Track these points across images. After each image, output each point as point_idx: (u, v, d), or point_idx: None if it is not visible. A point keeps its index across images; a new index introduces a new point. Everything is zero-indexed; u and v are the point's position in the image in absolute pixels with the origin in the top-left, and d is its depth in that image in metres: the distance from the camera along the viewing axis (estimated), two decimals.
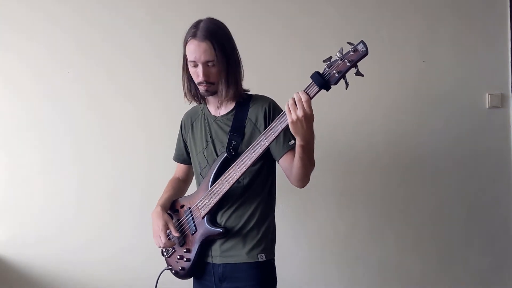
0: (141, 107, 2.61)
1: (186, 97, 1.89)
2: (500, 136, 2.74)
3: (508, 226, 2.77)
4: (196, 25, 1.77)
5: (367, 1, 2.67)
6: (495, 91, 2.72)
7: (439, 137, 2.71)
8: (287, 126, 1.57)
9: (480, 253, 2.75)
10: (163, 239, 1.81)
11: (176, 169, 2.14)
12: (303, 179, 1.74)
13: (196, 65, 1.75)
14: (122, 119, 2.61)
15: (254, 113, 1.81)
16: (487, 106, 2.72)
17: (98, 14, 2.59)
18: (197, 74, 1.76)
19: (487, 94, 2.71)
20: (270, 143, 1.65)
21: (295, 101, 1.52)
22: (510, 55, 2.71)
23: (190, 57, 1.75)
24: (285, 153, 1.76)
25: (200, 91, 1.82)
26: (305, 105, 1.51)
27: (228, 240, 1.81)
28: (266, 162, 1.83)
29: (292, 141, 1.68)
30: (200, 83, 1.78)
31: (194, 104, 1.94)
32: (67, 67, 2.57)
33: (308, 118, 1.53)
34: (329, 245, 2.68)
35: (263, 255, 1.80)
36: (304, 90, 1.54)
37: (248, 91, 1.88)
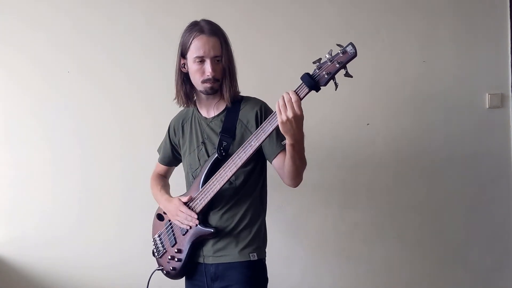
0: (149, 106, 2.59)
1: (178, 100, 1.89)
2: (500, 136, 2.73)
3: (508, 226, 2.76)
4: (196, 24, 1.80)
5: (367, 1, 2.67)
6: (495, 91, 2.71)
7: (439, 137, 2.71)
8: (277, 127, 1.58)
9: (480, 253, 2.75)
10: (185, 210, 1.81)
11: (157, 167, 2.18)
12: (295, 178, 1.74)
13: (202, 61, 1.76)
14: (129, 119, 2.60)
15: (245, 115, 1.82)
16: (487, 106, 2.71)
17: (102, 10, 2.59)
18: (203, 71, 1.77)
19: (487, 94, 2.71)
20: (261, 144, 1.66)
21: (285, 101, 1.53)
22: (510, 55, 2.70)
23: (197, 53, 1.76)
24: (278, 153, 1.77)
25: (203, 89, 1.80)
26: (295, 105, 1.52)
27: (220, 240, 1.82)
28: (258, 163, 1.85)
29: (285, 141, 1.67)
30: (206, 80, 1.78)
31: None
32: (71, 65, 2.57)
33: (298, 118, 1.53)
34: (328, 245, 2.69)
35: (255, 254, 1.81)
36: (294, 91, 1.55)
37: (239, 93, 1.89)
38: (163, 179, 2.14)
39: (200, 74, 1.78)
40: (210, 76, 1.77)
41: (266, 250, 1.92)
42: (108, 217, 2.61)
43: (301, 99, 1.55)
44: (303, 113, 1.54)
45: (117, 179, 2.62)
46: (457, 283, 2.74)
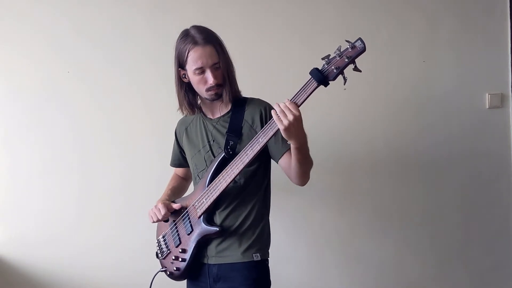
0: (149, 107, 2.58)
1: (182, 110, 1.92)
2: (500, 136, 2.74)
3: (508, 226, 2.77)
4: (187, 33, 1.81)
5: (367, 1, 2.67)
6: (495, 91, 2.72)
7: (439, 137, 2.71)
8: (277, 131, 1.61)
9: (480, 253, 2.75)
10: (162, 210, 1.84)
11: (174, 171, 2.20)
12: (303, 177, 1.77)
13: (202, 72, 1.79)
14: (127, 118, 2.59)
15: (251, 115, 1.84)
16: (487, 106, 2.72)
17: (103, 9, 2.57)
18: (205, 80, 1.80)
19: (487, 94, 2.72)
20: (269, 139, 1.66)
21: (281, 108, 1.56)
22: (510, 55, 2.72)
23: (196, 65, 1.77)
24: (284, 153, 1.78)
25: (209, 97, 1.83)
26: (290, 107, 1.55)
27: (224, 241, 1.83)
28: (262, 163, 1.86)
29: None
30: (210, 88, 1.80)
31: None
32: (69, 65, 2.55)
33: (298, 120, 1.56)
34: (329, 245, 2.68)
35: (258, 254, 1.82)
36: (288, 99, 1.59)
37: (240, 92, 1.91)
38: (178, 181, 2.15)
39: (203, 84, 1.81)
40: (213, 84, 1.79)
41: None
42: (107, 217, 2.59)
43: (308, 95, 1.58)
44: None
45: (116, 179, 2.60)
46: (457, 283, 2.75)
